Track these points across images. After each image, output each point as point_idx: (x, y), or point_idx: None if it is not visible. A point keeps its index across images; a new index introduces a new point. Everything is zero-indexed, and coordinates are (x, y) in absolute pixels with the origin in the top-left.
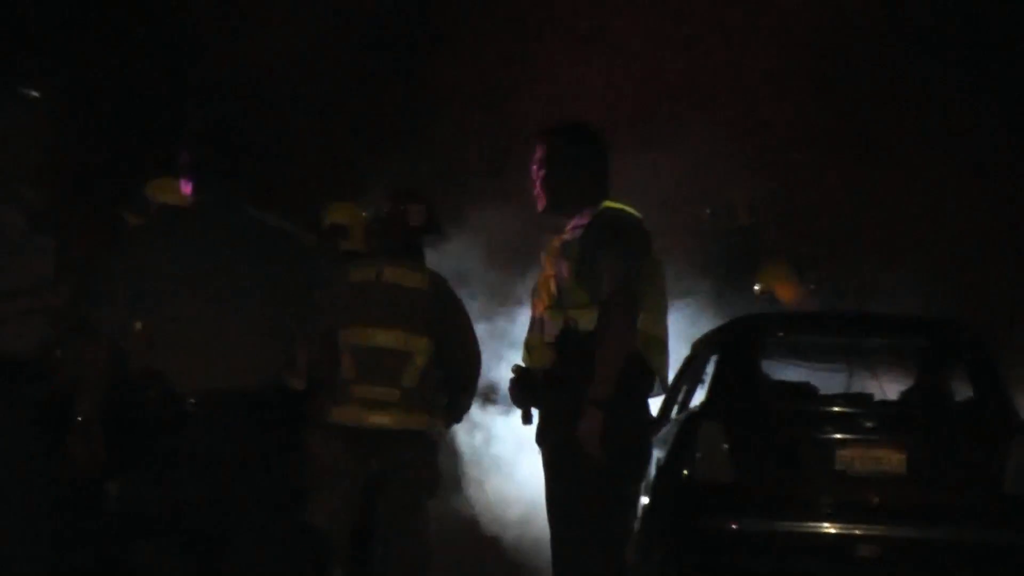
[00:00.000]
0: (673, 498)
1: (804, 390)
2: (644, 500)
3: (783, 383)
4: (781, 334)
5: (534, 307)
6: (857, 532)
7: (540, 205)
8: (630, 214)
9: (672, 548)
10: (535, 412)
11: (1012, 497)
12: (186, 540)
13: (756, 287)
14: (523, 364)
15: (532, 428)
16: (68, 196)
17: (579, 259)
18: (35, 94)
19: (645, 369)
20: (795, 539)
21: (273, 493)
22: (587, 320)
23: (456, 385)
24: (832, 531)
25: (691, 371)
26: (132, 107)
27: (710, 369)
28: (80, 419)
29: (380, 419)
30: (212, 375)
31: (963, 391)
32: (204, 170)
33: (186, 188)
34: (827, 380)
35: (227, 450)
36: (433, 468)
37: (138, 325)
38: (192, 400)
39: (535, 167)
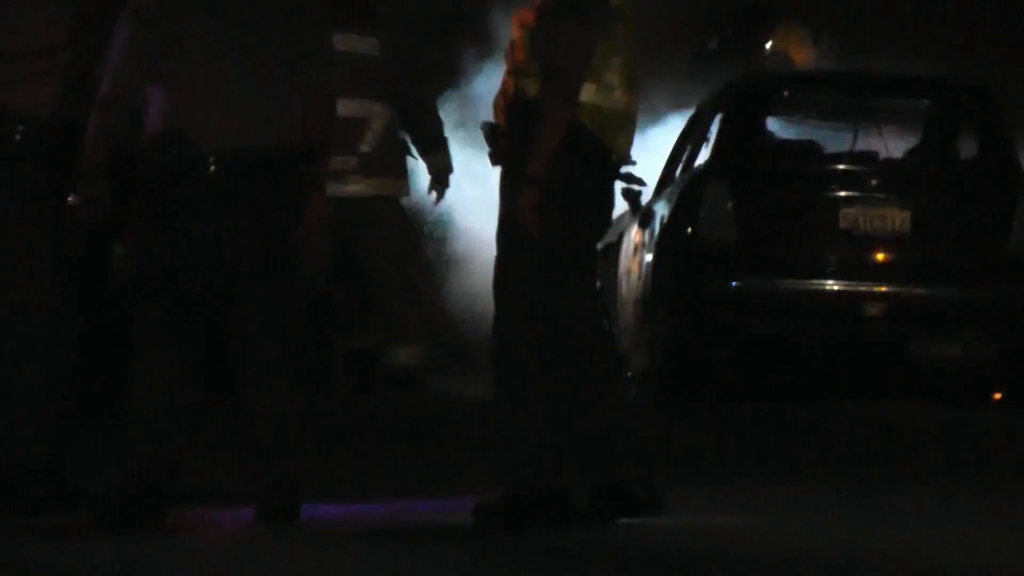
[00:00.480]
0: (677, 257)
1: (809, 149)
2: (648, 258)
3: (788, 142)
4: (786, 93)
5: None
6: (861, 290)
7: None
8: None
9: (676, 307)
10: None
11: (1017, 256)
12: (191, 299)
13: (767, 45)
14: (490, 122)
15: None
16: None
17: (535, 25)
18: None
19: (594, 144)
20: (799, 297)
21: (282, 254)
22: (532, 86)
23: (427, 146)
24: (836, 289)
25: (696, 131)
26: None
27: (715, 129)
28: (83, 180)
29: (339, 188)
30: (233, 134)
31: (970, 150)
32: None
33: None
34: (833, 139)
35: (241, 210)
36: (404, 231)
37: (152, 91)
38: (212, 159)
39: None
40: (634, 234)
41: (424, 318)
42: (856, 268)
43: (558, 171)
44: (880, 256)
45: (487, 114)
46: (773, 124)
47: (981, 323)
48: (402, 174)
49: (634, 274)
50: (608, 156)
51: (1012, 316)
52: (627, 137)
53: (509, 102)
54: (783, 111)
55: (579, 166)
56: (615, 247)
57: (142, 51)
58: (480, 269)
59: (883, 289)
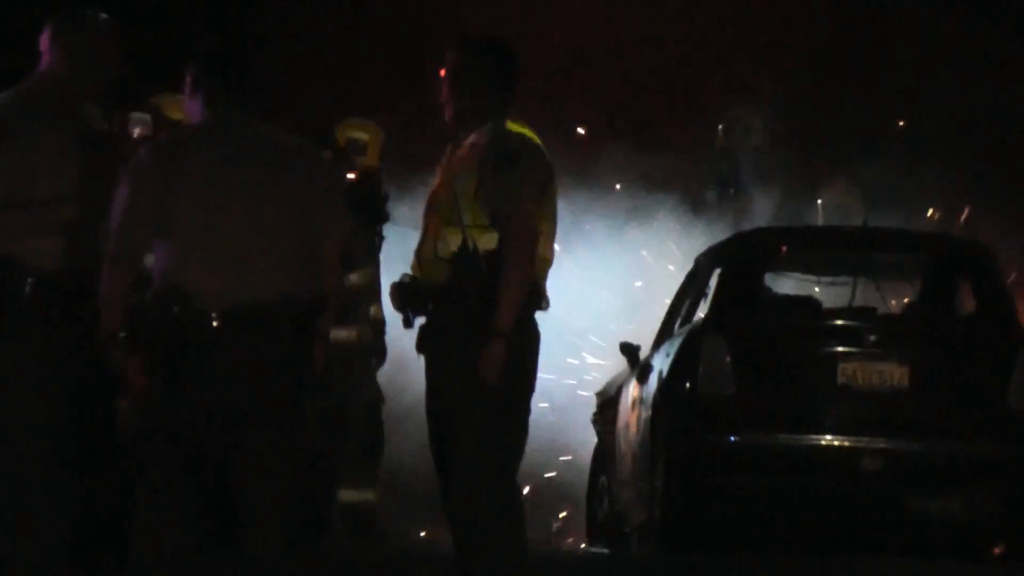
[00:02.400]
0: (676, 411)
1: (807, 304)
2: (646, 412)
3: (787, 297)
4: (784, 248)
5: (427, 219)
6: (859, 446)
7: (446, 115)
8: (532, 139)
9: (675, 461)
10: (416, 320)
11: (1015, 412)
12: (194, 452)
13: (820, 201)
14: (412, 274)
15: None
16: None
17: (479, 179)
18: (102, 16)
19: (535, 289)
20: (798, 453)
21: (285, 408)
22: (486, 240)
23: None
24: (835, 444)
25: (694, 285)
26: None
27: (713, 283)
28: (102, 333)
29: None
30: (236, 291)
31: (968, 305)
32: (214, 87)
33: (193, 106)
34: (831, 294)
35: (245, 364)
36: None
37: (156, 245)
38: (215, 315)
39: (444, 75)
40: (632, 388)
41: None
42: (855, 423)
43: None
44: (879, 411)
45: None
46: (772, 279)
47: (980, 478)
48: (368, 321)
49: (632, 428)
50: (541, 299)
51: (1011, 472)
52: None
53: (452, 253)
54: (782, 265)
55: (529, 312)
56: (613, 401)
57: (143, 208)
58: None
59: (882, 444)
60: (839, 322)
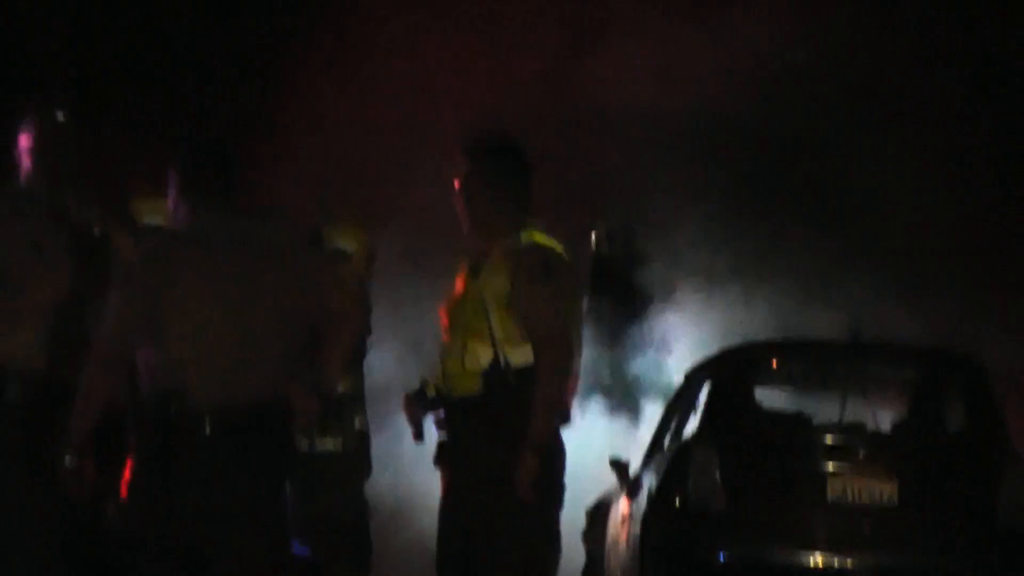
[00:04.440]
0: (666, 526)
1: (797, 418)
2: (636, 527)
3: (776, 411)
4: (775, 361)
5: (451, 331)
6: (849, 562)
7: (464, 226)
8: (556, 251)
9: None
10: (433, 432)
11: (1005, 529)
12: (180, 554)
13: None
14: (437, 386)
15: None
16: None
17: (512, 293)
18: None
19: (565, 407)
20: (789, 568)
21: (271, 517)
22: (518, 356)
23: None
24: (825, 560)
25: (684, 399)
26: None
27: (703, 397)
28: (72, 450)
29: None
30: (229, 394)
31: (957, 420)
32: (197, 189)
33: (178, 209)
34: (820, 407)
35: (235, 467)
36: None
37: (147, 347)
38: (208, 419)
39: (457, 186)
40: (622, 504)
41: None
42: (845, 538)
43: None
44: (869, 527)
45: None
46: (761, 393)
47: None
48: (353, 432)
49: (622, 544)
50: (566, 420)
51: None
52: (574, 395)
53: (484, 368)
54: (771, 380)
55: (560, 434)
56: (603, 517)
57: (133, 314)
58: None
59: (872, 560)
60: (829, 437)
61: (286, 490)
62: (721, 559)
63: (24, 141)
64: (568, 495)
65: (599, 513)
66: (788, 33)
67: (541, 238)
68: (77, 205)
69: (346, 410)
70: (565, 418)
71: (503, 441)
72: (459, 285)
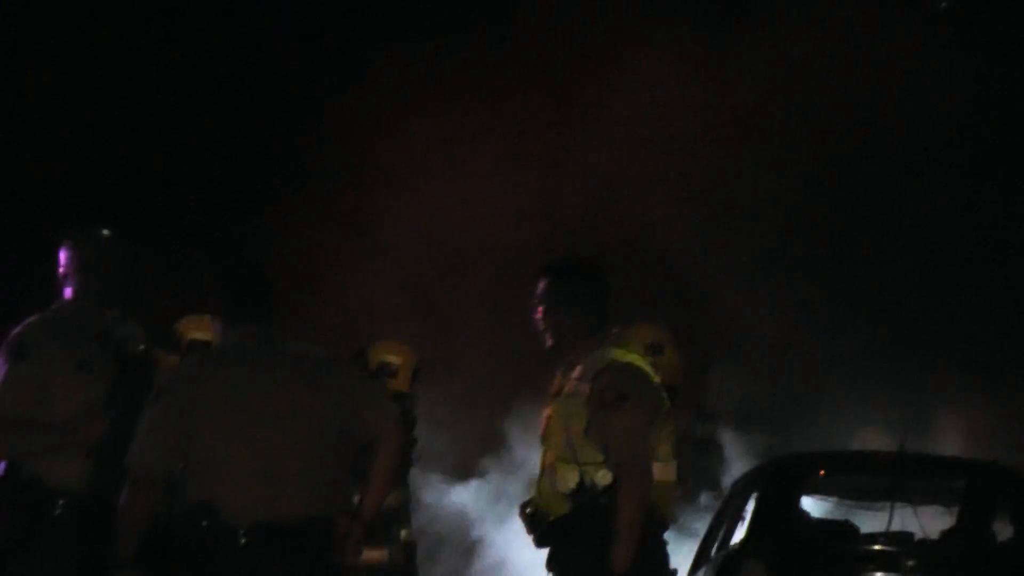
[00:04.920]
0: None
1: (844, 528)
2: None
3: (823, 521)
4: (822, 472)
5: (543, 452)
6: None
7: (545, 344)
8: (638, 368)
9: None
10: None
11: None
12: None
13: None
14: (535, 503)
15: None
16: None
17: (589, 419)
18: (112, 231)
19: (657, 515)
20: None
21: None
22: (601, 476)
23: None
24: None
25: (731, 509)
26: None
27: (750, 507)
28: (116, 567)
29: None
30: (264, 508)
31: (1006, 532)
32: (235, 308)
33: (217, 328)
34: (868, 518)
35: None
36: None
37: (181, 465)
38: (242, 532)
39: (537, 305)
40: None
41: None
42: None
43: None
44: None
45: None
46: (808, 503)
47: None
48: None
49: None
50: (666, 523)
51: None
52: (673, 500)
53: (571, 490)
54: (818, 490)
55: (652, 538)
56: None
57: (166, 432)
58: None
59: None
60: (876, 547)
61: None
62: None
63: (65, 259)
64: None
65: None
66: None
67: (621, 354)
68: (122, 324)
69: (392, 522)
70: (658, 531)
71: (591, 562)
72: (548, 405)
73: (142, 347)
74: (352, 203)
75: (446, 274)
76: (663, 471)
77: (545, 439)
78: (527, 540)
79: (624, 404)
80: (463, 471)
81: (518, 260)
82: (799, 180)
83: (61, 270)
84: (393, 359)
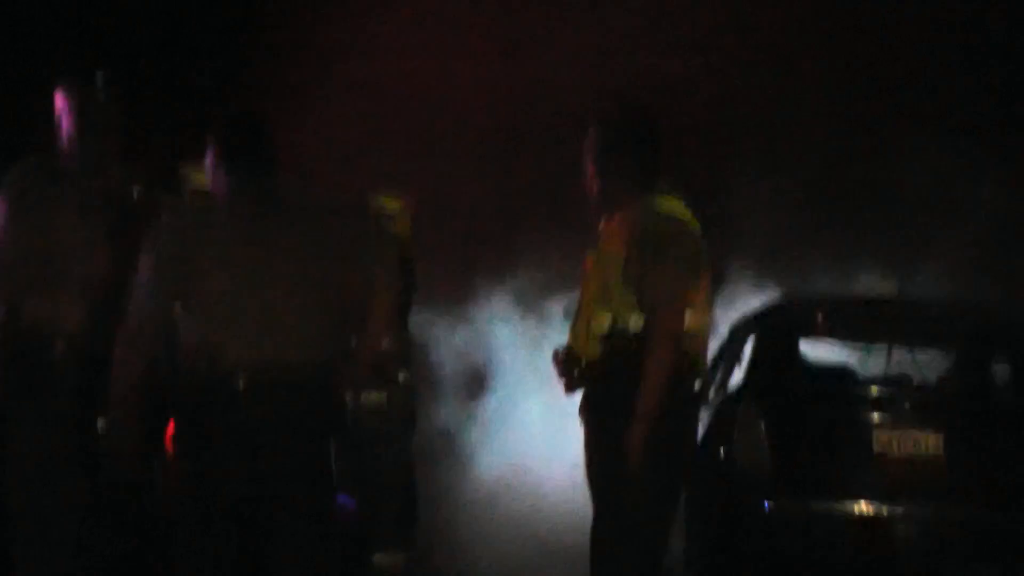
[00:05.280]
0: (710, 479)
1: (842, 372)
2: None
3: (821, 364)
4: (820, 316)
5: (582, 295)
6: (895, 514)
7: (591, 194)
8: (678, 217)
9: (710, 528)
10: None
11: None
12: (228, 513)
13: None
14: (570, 347)
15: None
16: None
17: (625, 263)
18: (107, 75)
19: (688, 368)
20: (832, 520)
21: (315, 472)
22: (635, 321)
23: None
24: (870, 512)
25: (729, 352)
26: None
27: (748, 350)
28: (110, 414)
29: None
30: (262, 352)
31: (1004, 375)
32: (238, 156)
33: (215, 174)
34: (867, 362)
35: (274, 424)
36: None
37: (179, 307)
38: (242, 376)
39: (587, 154)
40: None
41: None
42: (890, 491)
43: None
44: (914, 479)
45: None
46: (806, 346)
47: (1016, 549)
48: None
49: None
50: (697, 378)
51: None
52: (706, 351)
53: (603, 333)
54: (817, 333)
55: (682, 392)
56: None
57: (166, 277)
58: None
59: (917, 513)
60: (874, 390)
61: (330, 445)
62: (765, 509)
63: (61, 104)
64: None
65: None
66: None
67: (667, 205)
68: (120, 171)
69: (391, 366)
70: (690, 384)
71: (620, 407)
72: (590, 253)
73: (141, 189)
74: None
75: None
76: (697, 319)
77: (584, 285)
78: (533, 384)
79: (662, 249)
80: (464, 317)
81: (510, 101)
82: None
83: (58, 112)
84: (392, 206)
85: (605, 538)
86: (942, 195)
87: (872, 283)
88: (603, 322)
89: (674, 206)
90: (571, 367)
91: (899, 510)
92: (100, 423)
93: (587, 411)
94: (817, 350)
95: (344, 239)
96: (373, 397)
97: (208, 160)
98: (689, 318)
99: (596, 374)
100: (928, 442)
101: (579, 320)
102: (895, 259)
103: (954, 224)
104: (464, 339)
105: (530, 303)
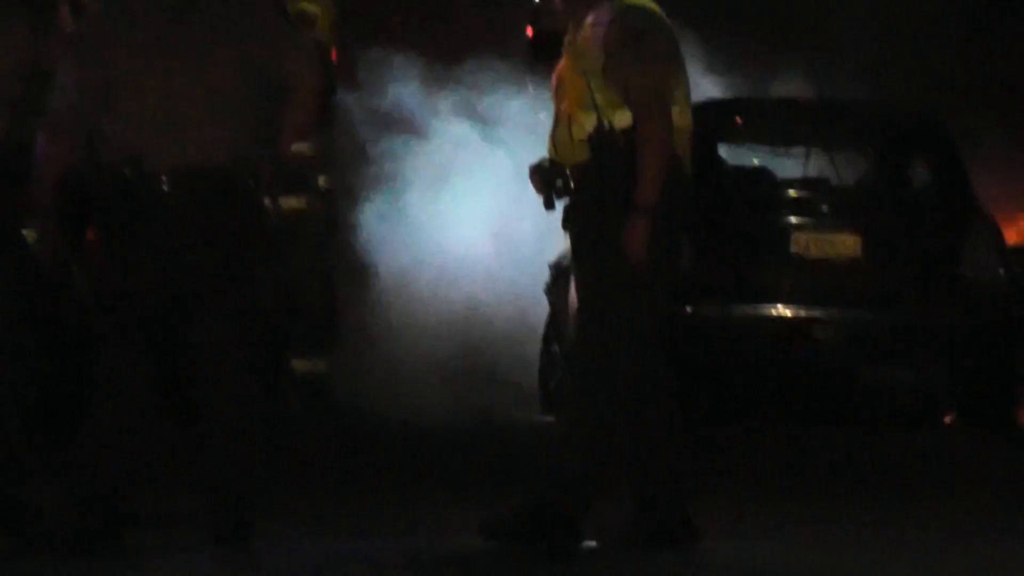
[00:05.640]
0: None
1: (761, 175)
2: None
3: (739, 167)
4: (738, 119)
5: (557, 103)
6: (813, 315)
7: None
8: (652, 9)
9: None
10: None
11: (968, 280)
12: (151, 317)
13: None
14: (551, 157)
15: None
16: None
17: (605, 59)
18: None
19: (675, 161)
20: (751, 322)
21: (235, 276)
22: (620, 118)
23: None
24: (788, 314)
25: None
26: None
27: None
28: (34, 219)
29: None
30: (185, 154)
31: (921, 176)
32: None
33: None
34: (784, 164)
35: (196, 226)
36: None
37: (100, 113)
38: (166, 178)
39: None
40: None
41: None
42: (808, 293)
43: (660, 200)
44: (832, 281)
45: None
46: (724, 150)
47: (932, 347)
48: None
49: None
50: (684, 176)
51: (963, 340)
52: (691, 148)
53: (590, 134)
54: (735, 137)
55: (675, 192)
56: (566, 272)
57: (85, 79)
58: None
59: (835, 314)
60: (791, 192)
61: (250, 249)
62: (684, 313)
63: None
64: (533, 250)
65: (562, 267)
66: None
67: (637, 0)
68: None
69: (311, 170)
70: (681, 173)
71: (615, 204)
72: (563, 58)
73: None
74: None
75: None
76: (680, 116)
77: (559, 90)
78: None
79: (643, 42)
80: (388, 125)
81: None
82: None
83: None
84: (311, 8)
85: (593, 342)
86: None
87: (790, 85)
88: (587, 124)
89: (646, 2)
90: (553, 177)
91: (816, 312)
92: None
93: (576, 219)
94: (735, 154)
95: (261, 35)
96: (292, 202)
97: None
98: (675, 115)
99: (584, 178)
100: (846, 243)
101: (558, 129)
102: (812, 60)
103: (870, 23)
104: (390, 149)
105: (460, 107)
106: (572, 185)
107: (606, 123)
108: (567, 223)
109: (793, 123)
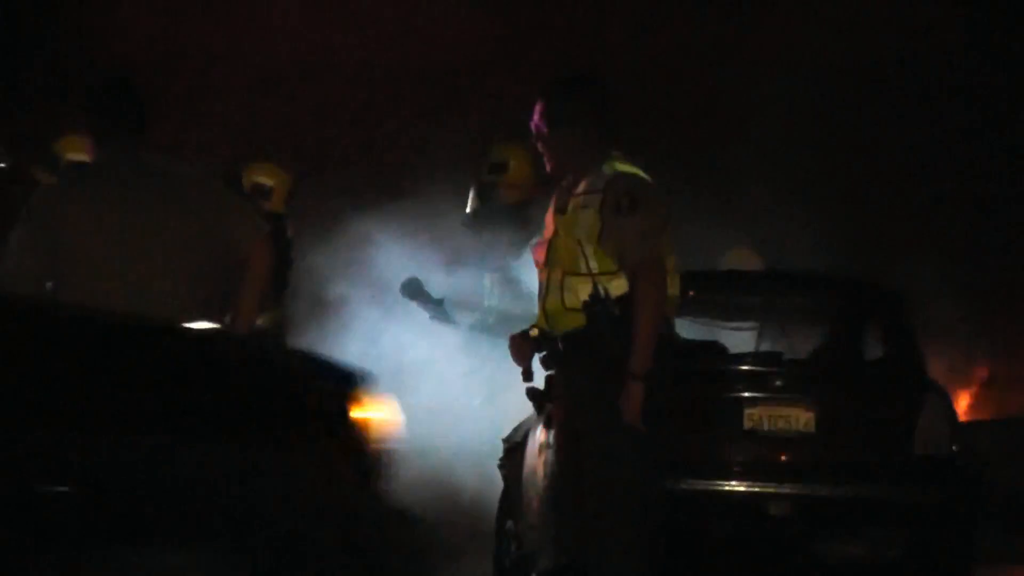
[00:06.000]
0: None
1: (712, 348)
2: (552, 457)
3: (692, 341)
4: (691, 292)
5: (548, 270)
6: (766, 490)
7: (548, 166)
8: (644, 179)
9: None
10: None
11: (921, 456)
12: None
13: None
14: (539, 327)
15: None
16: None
17: (602, 226)
18: None
19: (669, 330)
20: (704, 498)
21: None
22: (616, 286)
23: None
24: (741, 490)
25: None
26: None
27: None
28: None
29: None
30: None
31: (875, 350)
32: (105, 126)
33: (88, 146)
34: (737, 338)
35: None
36: None
37: (49, 284)
38: None
39: (536, 125)
40: (539, 433)
41: None
42: (761, 468)
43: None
44: (785, 456)
45: None
46: (677, 324)
47: (886, 522)
48: None
49: (539, 473)
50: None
51: (915, 515)
52: (675, 313)
53: (585, 302)
54: (687, 311)
55: (667, 355)
56: (520, 447)
57: (35, 252)
58: None
59: (788, 489)
60: (744, 367)
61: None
62: None
63: None
64: (486, 425)
65: (516, 442)
66: None
67: (625, 167)
68: None
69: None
70: (669, 341)
71: (610, 371)
72: (549, 224)
73: (6, 165)
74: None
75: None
76: (671, 282)
77: (551, 257)
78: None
79: (639, 209)
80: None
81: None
82: None
83: None
84: (266, 180)
85: (602, 507)
86: (806, 166)
87: (741, 258)
88: (581, 291)
89: (636, 170)
90: (540, 347)
91: (770, 487)
92: None
93: (569, 387)
94: (687, 328)
95: (214, 209)
96: None
97: (85, 131)
98: (669, 284)
99: (578, 346)
100: (799, 418)
101: (549, 297)
102: (764, 234)
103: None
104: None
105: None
106: (563, 354)
107: (602, 289)
108: (553, 394)
109: (745, 296)
